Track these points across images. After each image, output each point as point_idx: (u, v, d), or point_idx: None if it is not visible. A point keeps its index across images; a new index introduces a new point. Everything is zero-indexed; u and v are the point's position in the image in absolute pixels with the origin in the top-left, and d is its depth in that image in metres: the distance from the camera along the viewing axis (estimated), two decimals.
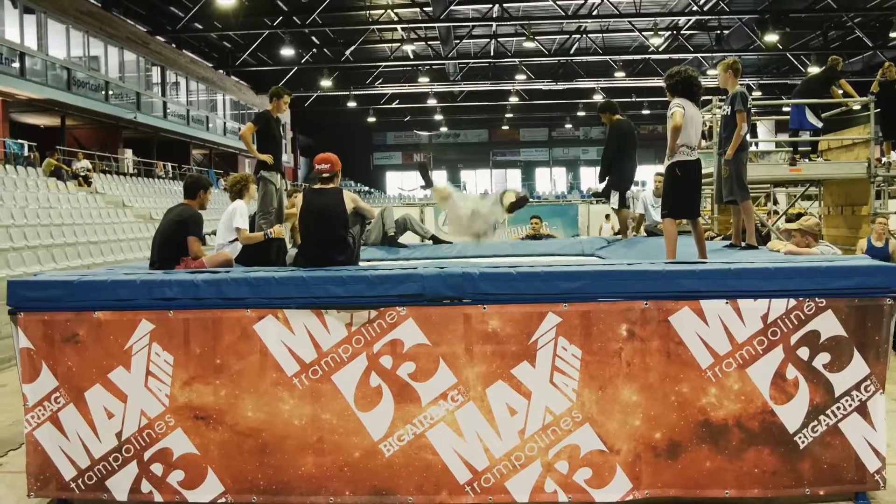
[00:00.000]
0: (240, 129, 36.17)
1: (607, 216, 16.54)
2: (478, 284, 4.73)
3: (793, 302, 4.61)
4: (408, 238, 9.83)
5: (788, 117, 11.07)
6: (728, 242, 7.10)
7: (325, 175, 5.62)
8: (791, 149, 11.19)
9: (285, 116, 42.38)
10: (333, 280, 4.78)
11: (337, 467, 4.78)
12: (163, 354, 4.82)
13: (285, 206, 8.18)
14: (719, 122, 6.83)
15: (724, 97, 6.96)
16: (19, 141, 21.84)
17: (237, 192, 6.93)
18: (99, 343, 4.82)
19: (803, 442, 4.64)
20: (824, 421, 4.64)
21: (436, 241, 9.67)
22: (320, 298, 4.77)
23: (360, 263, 6.05)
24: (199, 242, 5.79)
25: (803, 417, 4.64)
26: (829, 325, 4.61)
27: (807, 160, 10.62)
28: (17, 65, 19.89)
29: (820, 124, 10.52)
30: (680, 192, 5.96)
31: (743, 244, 6.71)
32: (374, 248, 9.34)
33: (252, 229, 7.22)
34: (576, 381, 4.69)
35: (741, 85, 6.59)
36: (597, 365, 4.69)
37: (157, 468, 4.85)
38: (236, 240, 6.67)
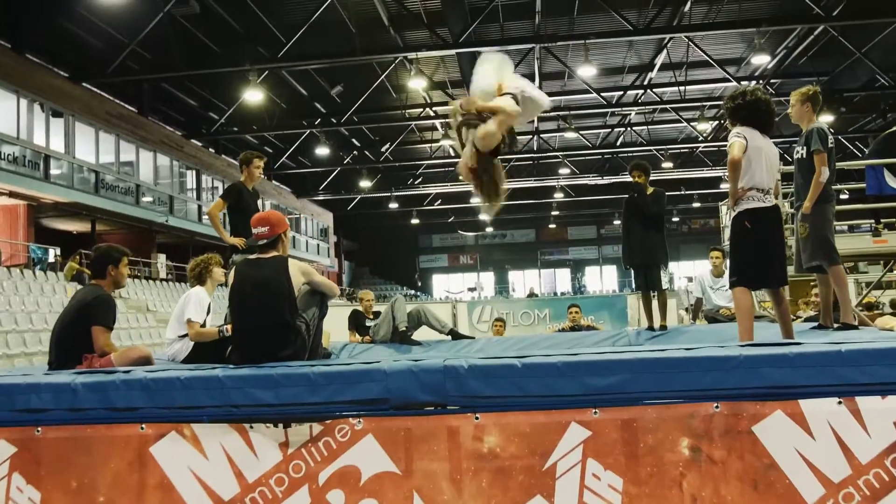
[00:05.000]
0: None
1: (687, 309, 14.88)
2: (466, 383, 3.28)
3: None
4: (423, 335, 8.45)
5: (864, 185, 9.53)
6: (815, 324, 5.49)
7: (263, 241, 4.28)
8: (872, 219, 9.59)
9: (326, 220, 42.01)
10: (260, 381, 3.38)
11: None
12: (26, 490, 3.43)
13: None
14: (794, 169, 5.36)
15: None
16: (43, 246, 21.30)
17: (196, 276, 5.65)
18: None
19: None
20: None
21: (455, 336, 8.25)
22: (242, 407, 3.37)
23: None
24: (108, 333, 4.44)
25: None
26: None
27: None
28: (42, 168, 19.45)
29: None
30: (753, 251, 4.45)
31: (835, 325, 5.13)
32: (382, 345, 8.01)
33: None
34: None
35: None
36: (647, 500, 3.14)
37: None
38: (188, 335, 5.34)
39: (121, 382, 3.46)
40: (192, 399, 3.40)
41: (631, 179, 7.77)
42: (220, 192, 29.53)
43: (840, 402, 3.10)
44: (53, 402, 3.47)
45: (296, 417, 3.31)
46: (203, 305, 5.43)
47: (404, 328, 8.06)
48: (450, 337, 8.28)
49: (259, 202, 25.94)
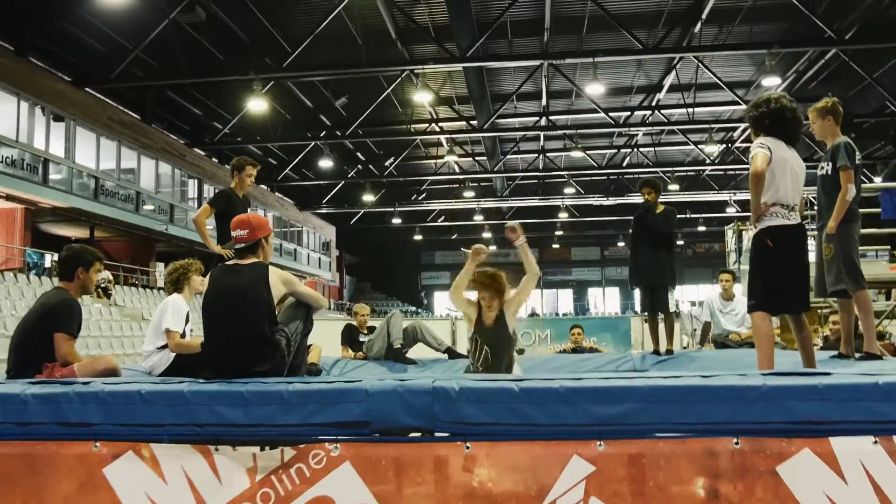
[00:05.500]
0: (281, 245, 35.41)
1: (692, 332, 14.56)
2: (457, 408, 2.95)
3: None
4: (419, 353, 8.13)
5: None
6: (833, 353, 5.14)
7: (241, 245, 3.92)
8: (889, 244, 9.24)
9: (329, 234, 41.70)
10: (228, 398, 3.05)
11: None
12: None
13: None
14: (817, 186, 5.01)
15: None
16: (39, 251, 21.03)
17: (173, 282, 5.30)
18: None
19: None
20: None
21: (452, 354, 7.91)
22: (207, 427, 3.03)
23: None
24: (72, 341, 4.11)
25: None
26: None
27: None
28: (40, 172, 19.20)
29: None
30: (775, 273, 4.08)
31: (857, 355, 4.78)
32: (375, 362, 7.70)
33: None
34: None
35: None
36: None
37: None
38: (167, 346, 5.00)
39: (75, 395, 3.13)
40: (152, 416, 3.07)
41: (641, 198, 7.48)
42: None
43: (876, 442, 2.76)
44: (1, 414, 3.15)
45: (266, 440, 2.98)
46: (182, 314, 5.09)
47: (399, 345, 7.74)
48: (447, 356, 7.96)
49: (261, 213, 25.30)
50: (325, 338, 9.03)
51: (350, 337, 8.42)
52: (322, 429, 2.96)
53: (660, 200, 7.42)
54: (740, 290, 8.44)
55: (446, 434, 2.94)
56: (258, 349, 3.67)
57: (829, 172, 4.73)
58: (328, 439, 2.94)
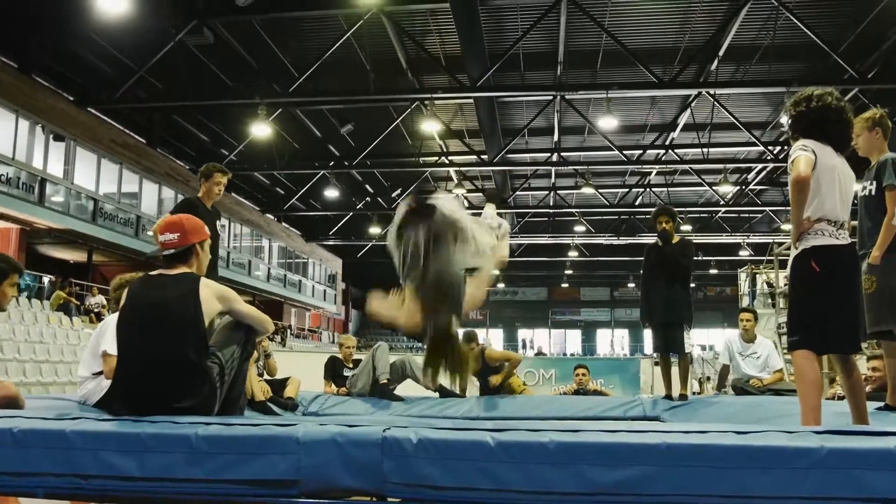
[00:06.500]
0: (285, 276, 34.91)
1: (701, 379, 13.85)
2: (413, 466, 2.26)
3: None
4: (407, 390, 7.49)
5: None
6: (880, 404, 4.42)
7: (170, 251, 3.25)
8: None
9: (335, 266, 41.21)
10: (121, 441, 2.37)
11: None
12: None
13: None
14: (860, 209, 4.33)
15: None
16: (34, 273, 20.56)
17: (117, 300, 4.64)
18: None
19: None
20: None
21: (443, 393, 7.23)
22: (93, 479, 2.36)
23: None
24: None
25: None
26: None
27: None
28: (36, 192, 18.78)
29: None
30: (822, 303, 3.33)
31: None
32: (359, 399, 7.06)
33: None
34: None
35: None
36: None
37: None
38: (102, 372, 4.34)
39: None
40: (26, 462, 2.40)
41: (654, 231, 6.84)
42: (224, 226, 28.72)
43: None
44: None
45: (166, 499, 2.31)
46: None
47: (385, 380, 7.10)
48: (438, 394, 7.29)
49: (266, 243, 24.78)
50: (311, 371, 8.39)
51: (334, 371, 7.76)
52: (237, 486, 2.29)
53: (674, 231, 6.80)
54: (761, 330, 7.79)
55: (398, 500, 2.26)
56: (183, 378, 2.96)
57: (874, 193, 4.07)
58: (246, 500, 2.27)
